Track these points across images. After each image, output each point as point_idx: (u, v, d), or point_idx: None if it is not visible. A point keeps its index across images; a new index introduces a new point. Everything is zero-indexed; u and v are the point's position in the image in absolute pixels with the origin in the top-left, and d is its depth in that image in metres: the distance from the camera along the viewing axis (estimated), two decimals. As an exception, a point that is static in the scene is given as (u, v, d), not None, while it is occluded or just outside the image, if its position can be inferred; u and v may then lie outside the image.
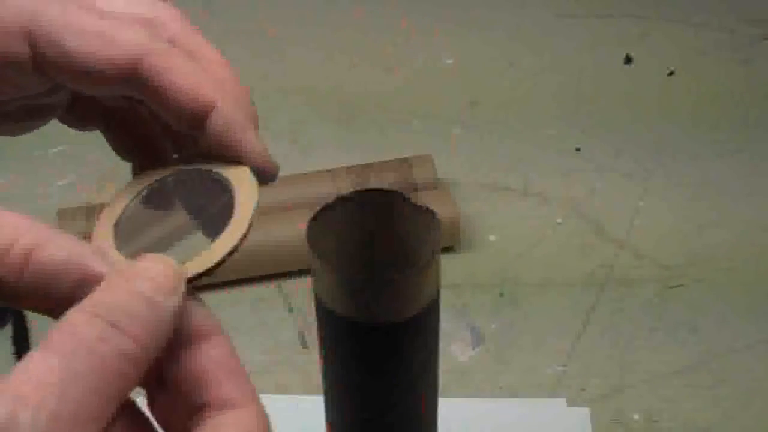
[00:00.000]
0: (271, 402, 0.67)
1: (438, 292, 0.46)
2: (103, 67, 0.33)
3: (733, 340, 0.69)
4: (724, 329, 0.69)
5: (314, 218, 0.44)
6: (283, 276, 0.73)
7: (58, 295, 0.31)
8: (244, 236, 0.35)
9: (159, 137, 0.39)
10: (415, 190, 0.75)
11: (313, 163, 0.79)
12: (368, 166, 0.76)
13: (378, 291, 0.43)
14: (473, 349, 0.69)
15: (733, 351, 0.68)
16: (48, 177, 0.80)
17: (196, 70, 0.34)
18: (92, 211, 0.73)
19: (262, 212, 0.78)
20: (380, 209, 0.46)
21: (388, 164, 0.76)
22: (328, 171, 0.76)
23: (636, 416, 0.64)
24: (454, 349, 0.69)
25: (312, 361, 0.66)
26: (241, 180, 0.36)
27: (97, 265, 0.31)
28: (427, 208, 0.45)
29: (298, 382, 0.67)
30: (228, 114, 0.34)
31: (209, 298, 0.76)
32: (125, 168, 0.87)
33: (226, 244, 0.34)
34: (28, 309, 0.32)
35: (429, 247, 0.44)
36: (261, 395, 0.70)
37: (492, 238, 0.76)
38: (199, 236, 0.35)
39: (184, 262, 0.33)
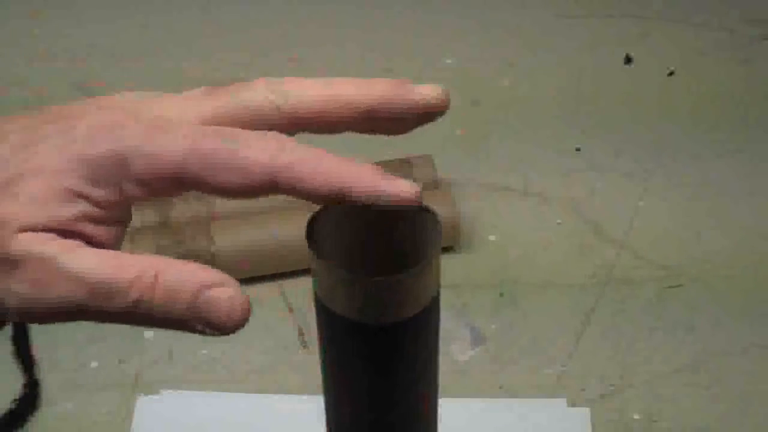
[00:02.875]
0: (271, 402, 0.68)
1: (438, 292, 0.46)
2: (239, 194, 0.38)
3: (730, 340, 0.69)
4: (721, 330, 0.70)
5: (314, 218, 0.44)
6: (283, 276, 0.73)
7: (182, 307, 0.37)
8: None
9: None
10: (415, 190, 0.75)
11: (313, 163, 0.79)
12: (368, 166, 0.76)
13: (378, 291, 0.43)
14: (473, 349, 0.69)
15: (729, 352, 0.68)
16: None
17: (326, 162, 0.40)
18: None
19: (262, 212, 0.78)
20: (380, 209, 0.46)
21: (388, 164, 0.76)
22: (328, 171, 0.76)
23: (636, 416, 0.65)
24: (454, 349, 0.69)
25: (312, 361, 0.66)
26: None
27: (205, 274, 0.37)
28: (427, 208, 0.45)
29: (298, 382, 0.67)
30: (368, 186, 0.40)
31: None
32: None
33: None
34: (161, 327, 0.38)
35: (429, 247, 0.44)
36: (261, 395, 0.70)
37: (492, 238, 0.76)
38: None
39: None
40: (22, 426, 0.65)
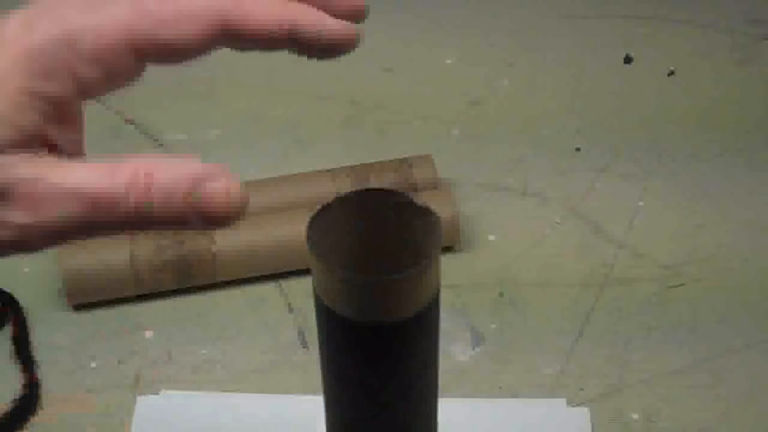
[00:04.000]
0: (271, 402, 0.68)
1: (438, 292, 0.46)
2: (194, 44, 0.38)
3: (732, 339, 0.69)
4: (723, 329, 0.70)
5: (314, 218, 0.44)
6: (283, 276, 0.73)
7: (179, 204, 0.36)
8: None
9: None
10: (415, 190, 0.75)
11: (313, 163, 0.79)
12: (368, 166, 0.76)
13: (378, 291, 0.43)
14: (473, 349, 0.69)
15: (731, 351, 0.68)
16: (48, 177, 0.80)
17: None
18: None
19: (262, 212, 0.78)
20: (380, 209, 0.46)
21: (388, 164, 0.76)
22: (328, 171, 0.76)
23: (635, 416, 0.65)
24: (454, 349, 0.69)
25: (312, 361, 0.66)
26: None
27: (197, 168, 0.36)
28: (427, 208, 0.45)
29: (298, 382, 0.67)
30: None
31: (209, 298, 0.76)
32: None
33: None
34: (161, 229, 0.37)
35: (429, 247, 0.44)
36: (261, 395, 0.70)
37: (491, 238, 0.76)
38: None
39: None
40: (22, 426, 0.65)
